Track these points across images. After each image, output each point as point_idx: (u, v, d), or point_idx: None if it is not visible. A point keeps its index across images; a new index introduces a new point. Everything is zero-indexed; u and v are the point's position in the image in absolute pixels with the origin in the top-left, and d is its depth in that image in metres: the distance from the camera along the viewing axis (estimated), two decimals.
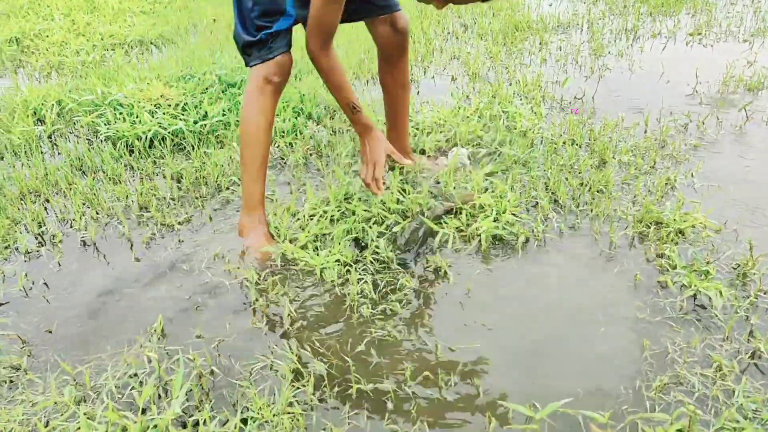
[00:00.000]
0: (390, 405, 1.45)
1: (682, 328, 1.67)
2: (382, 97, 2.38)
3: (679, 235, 2.03)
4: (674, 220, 2.06)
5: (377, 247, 1.99)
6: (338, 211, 2.17)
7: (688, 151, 2.62)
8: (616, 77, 3.53)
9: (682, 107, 3.03)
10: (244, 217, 2.08)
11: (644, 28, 4.48)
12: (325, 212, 2.15)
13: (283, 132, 2.84)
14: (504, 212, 2.10)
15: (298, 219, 2.16)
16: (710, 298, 1.75)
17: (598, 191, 2.30)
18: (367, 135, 2.08)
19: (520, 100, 3.14)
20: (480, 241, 2.03)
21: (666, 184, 2.34)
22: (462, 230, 2.09)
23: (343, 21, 1.93)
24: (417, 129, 2.78)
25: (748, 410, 1.40)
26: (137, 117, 2.86)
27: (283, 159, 2.68)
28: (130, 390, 1.51)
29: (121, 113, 2.91)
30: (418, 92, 3.40)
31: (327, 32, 1.86)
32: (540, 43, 4.13)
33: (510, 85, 3.39)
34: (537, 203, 2.22)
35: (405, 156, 2.38)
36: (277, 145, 2.77)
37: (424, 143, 2.62)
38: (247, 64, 1.99)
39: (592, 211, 2.18)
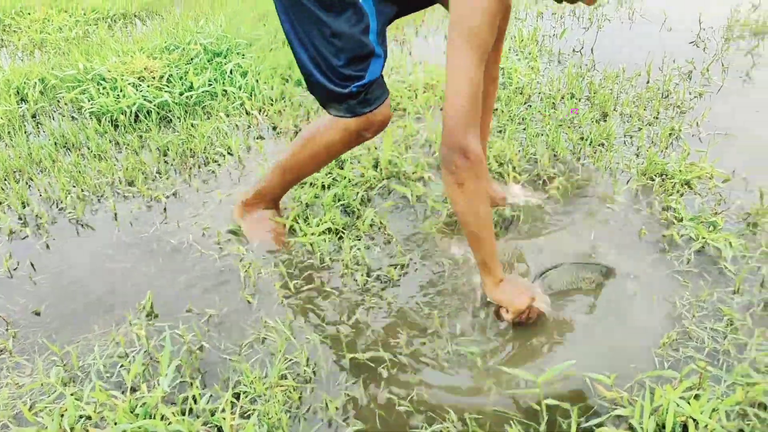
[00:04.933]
0: (386, 373, 1.39)
1: (691, 281, 1.60)
2: None
3: (685, 186, 1.95)
4: (680, 171, 1.98)
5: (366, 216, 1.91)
6: (329, 177, 2.09)
7: (692, 99, 2.53)
8: (615, 27, 3.41)
9: (685, 54, 2.92)
10: (252, 200, 1.90)
11: None
12: (316, 179, 2.07)
13: (272, 100, 2.75)
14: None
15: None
16: (719, 250, 1.68)
17: (599, 145, 2.21)
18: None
19: (516, 55, 3.03)
20: None
21: (670, 134, 2.26)
22: None
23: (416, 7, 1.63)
24: (409, 90, 2.68)
25: (762, 364, 1.34)
26: (121, 91, 2.76)
27: (274, 128, 2.59)
28: (119, 369, 1.46)
29: (104, 88, 2.82)
30: (410, 53, 3.29)
31: (478, 105, 1.36)
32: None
33: (506, 40, 3.28)
34: (537, 160, 2.14)
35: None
36: (266, 113, 2.68)
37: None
38: (335, 115, 1.60)
39: (594, 164, 2.10)
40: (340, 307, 1.61)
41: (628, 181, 2.00)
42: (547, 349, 1.45)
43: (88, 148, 2.46)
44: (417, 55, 3.22)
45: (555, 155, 2.17)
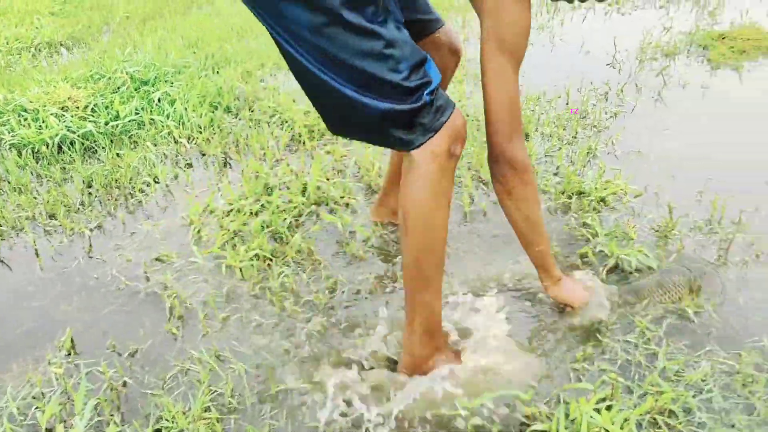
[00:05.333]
0: (310, 401, 1.40)
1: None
2: None
3: (601, 203, 2.04)
4: (595, 188, 2.07)
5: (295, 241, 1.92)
6: (258, 204, 2.09)
7: (608, 119, 2.64)
8: (537, 50, 3.53)
9: (602, 76, 3.06)
10: (424, 347, 1.41)
11: None
12: (243, 206, 2.07)
13: (201, 127, 2.73)
14: None
15: (216, 216, 2.08)
16: (631, 263, 1.76)
17: None
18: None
19: None
20: None
21: (588, 153, 2.35)
22: (393, 221, 2.04)
23: None
24: None
25: (671, 372, 1.40)
26: (43, 122, 2.70)
27: (203, 154, 2.57)
28: (35, 410, 1.41)
29: (26, 119, 2.75)
30: None
31: (520, 117, 1.37)
32: (462, 22, 4.11)
33: None
34: (461, 181, 2.19)
35: None
36: (195, 141, 2.66)
37: None
38: (413, 146, 1.26)
39: None
40: (267, 335, 1.60)
41: (548, 200, 2.07)
42: (472, 366, 1.48)
43: (8, 182, 2.39)
44: None
45: (479, 177, 2.23)
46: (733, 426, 1.28)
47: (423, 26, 1.62)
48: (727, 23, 3.69)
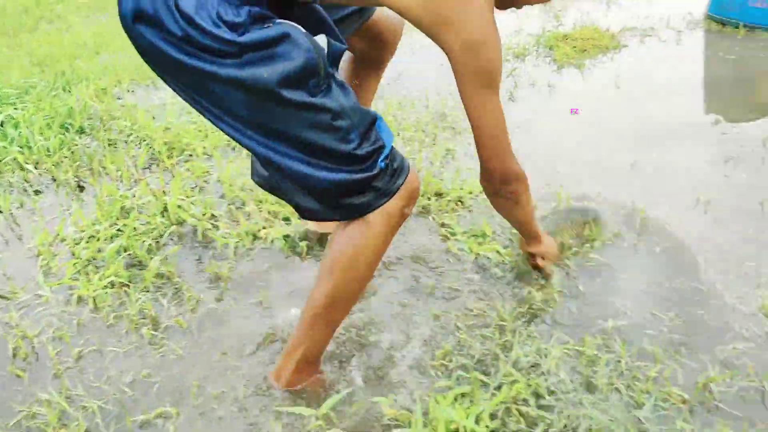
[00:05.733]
0: (172, 428, 1.35)
1: (462, 293, 1.73)
2: None
3: (459, 203, 2.11)
4: (453, 189, 2.14)
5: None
6: (113, 228, 2.00)
7: (465, 120, 2.74)
8: (401, 55, 3.60)
9: None
10: (299, 373, 1.42)
11: None
12: (97, 232, 1.97)
13: (50, 151, 2.57)
14: None
15: (67, 244, 1.96)
16: (490, 259, 1.84)
17: None
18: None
19: None
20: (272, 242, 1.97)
21: (446, 154, 2.44)
22: (257, 236, 2.00)
23: None
24: (198, 130, 2.65)
25: (524, 362, 1.47)
26: None
27: (54, 180, 2.42)
28: None
29: None
30: None
31: (508, 135, 1.39)
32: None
33: None
34: None
35: None
36: (43, 166, 2.50)
37: None
38: (368, 211, 1.24)
39: None
40: (125, 366, 1.53)
41: None
42: (330, 377, 1.48)
43: None
44: None
45: None
46: (580, 403, 1.37)
47: (360, 14, 1.61)
48: (570, 24, 3.96)
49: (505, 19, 4.09)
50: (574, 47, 3.50)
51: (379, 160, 1.21)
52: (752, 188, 2.15)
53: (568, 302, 1.68)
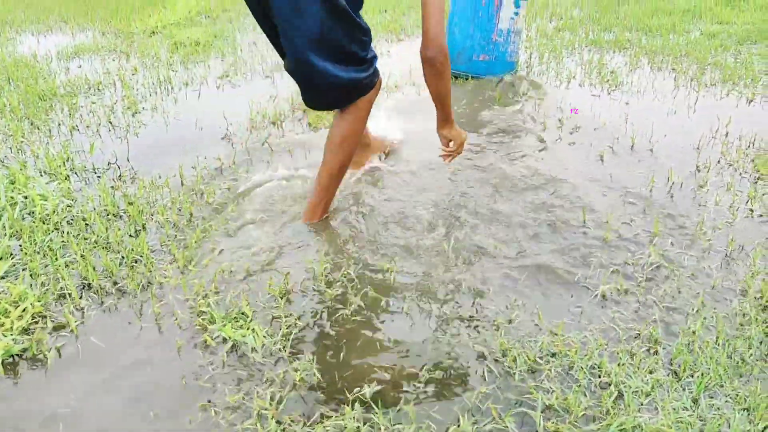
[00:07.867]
0: None
1: (228, 383, 1.64)
2: None
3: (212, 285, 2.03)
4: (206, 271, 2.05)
5: None
6: None
7: (224, 195, 2.67)
8: (152, 133, 3.47)
9: (217, 151, 3.11)
10: (323, 213, 2.34)
11: (177, 78, 4.55)
12: None
13: None
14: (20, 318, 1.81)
15: None
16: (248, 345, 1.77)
17: (135, 262, 2.17)
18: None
19: (45, 177, 2.83)
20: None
21: (204, 236, 2.33)
22: None
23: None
24: None
25: None
26: None
27: None
28: None
29: None
30: None
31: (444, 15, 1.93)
32: (69, 110, 3.83)
33: (35, 163, 3.03)
34: (67, 294, 1.99)
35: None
36: None
37: None
38: (361, 95, 2.12)
39: (130, 285, 2.04)
40: None
41: (162, 299, 1.99)
42: None
43: None
44: None
45: (88, 284, 2.05)
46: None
47: None
48: None
49: (261, 87, 4.14)
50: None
51: (374, 63, 2.11)
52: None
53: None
